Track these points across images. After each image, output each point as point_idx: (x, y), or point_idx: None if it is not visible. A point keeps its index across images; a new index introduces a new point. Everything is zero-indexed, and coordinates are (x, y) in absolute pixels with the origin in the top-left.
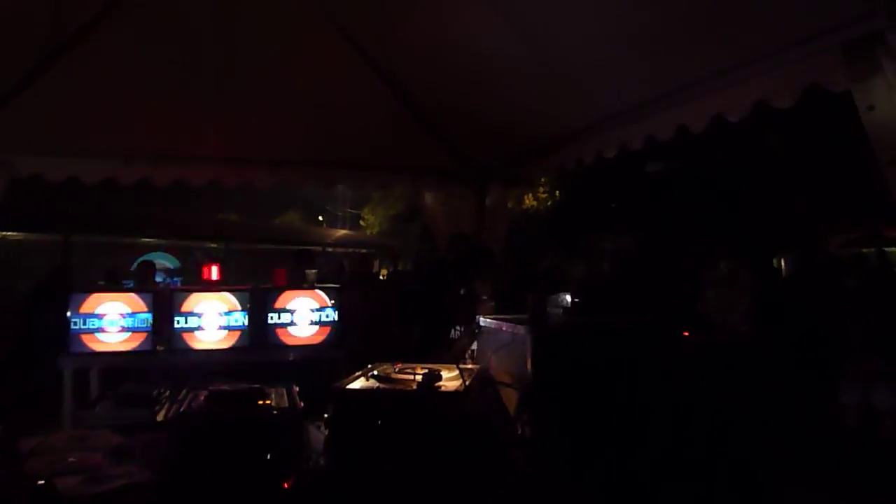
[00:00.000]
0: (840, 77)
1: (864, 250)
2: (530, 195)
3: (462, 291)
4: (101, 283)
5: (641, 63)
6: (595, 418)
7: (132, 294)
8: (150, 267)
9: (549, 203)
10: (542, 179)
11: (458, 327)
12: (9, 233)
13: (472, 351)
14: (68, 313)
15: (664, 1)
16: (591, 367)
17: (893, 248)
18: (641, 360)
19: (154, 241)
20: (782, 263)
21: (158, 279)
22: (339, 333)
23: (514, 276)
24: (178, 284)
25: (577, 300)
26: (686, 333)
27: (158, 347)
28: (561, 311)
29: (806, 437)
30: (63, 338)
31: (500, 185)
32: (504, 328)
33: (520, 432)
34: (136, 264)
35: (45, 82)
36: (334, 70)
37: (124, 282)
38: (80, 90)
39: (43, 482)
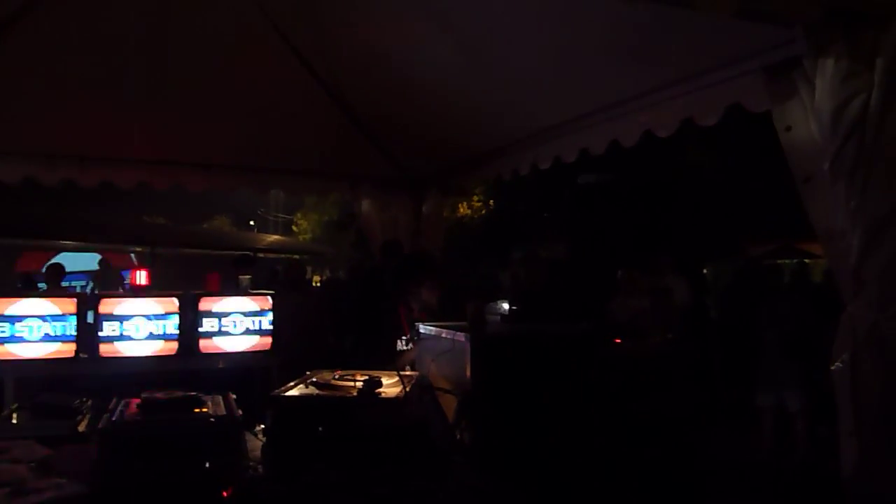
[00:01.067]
0: (760, 98)
1: (780, 261)
2: (464, 204)
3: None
4: (18, 286)
5: (577, 80)
6: (532, 424)
7: (53, 298)
8: (59, 270)
9: (482, 212)
10: (477, 188)
11: (404, 338)
12: None
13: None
14: None
15: (599, 22)
16: (529, 373)
17: (810, 260)
18: (577, 367)
19: (73, 243)
20: (704, 272)
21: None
22: (272, 341)
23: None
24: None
25: (514, 308)
26: (618, 341)
27: (81, 355)
28: (499, 318)
29: (728, 441)
30: None
31: (437, 193)
32: (444, 335)
33: (459, 438)
34: (45, 267)
35: None
36: (272, 75)
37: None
38: (1, 87)
39: None
